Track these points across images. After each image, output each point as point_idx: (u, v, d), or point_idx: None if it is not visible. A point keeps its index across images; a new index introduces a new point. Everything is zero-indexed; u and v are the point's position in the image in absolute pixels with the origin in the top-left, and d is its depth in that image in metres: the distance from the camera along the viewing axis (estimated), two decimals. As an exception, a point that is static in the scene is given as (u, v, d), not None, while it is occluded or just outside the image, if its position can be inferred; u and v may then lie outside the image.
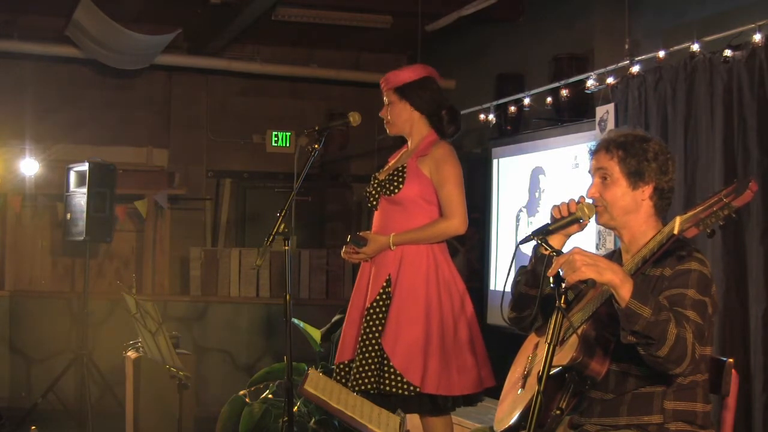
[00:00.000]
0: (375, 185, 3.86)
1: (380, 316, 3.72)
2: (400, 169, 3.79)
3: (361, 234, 3.84)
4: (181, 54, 7.73)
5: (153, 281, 7.74)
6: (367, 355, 3.69)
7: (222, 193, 8.24)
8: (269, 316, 7.36)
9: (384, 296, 3.74)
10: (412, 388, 3.59)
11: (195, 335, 7.23)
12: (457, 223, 3.72)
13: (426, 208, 3.76)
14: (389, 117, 3.87)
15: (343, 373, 3.79)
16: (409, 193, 3.74)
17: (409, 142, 3.93)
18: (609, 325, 2.48)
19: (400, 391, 3.60)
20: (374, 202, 3.85)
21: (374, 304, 3.75)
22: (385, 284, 3.75)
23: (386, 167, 3.96)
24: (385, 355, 3.64)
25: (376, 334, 3.70)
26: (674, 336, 2.32)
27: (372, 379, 3.65)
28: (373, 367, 3.67)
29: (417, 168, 3.75)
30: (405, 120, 3.85)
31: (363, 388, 3.64)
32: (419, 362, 3.62)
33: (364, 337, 3.72)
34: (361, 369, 3.67)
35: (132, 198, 7.51)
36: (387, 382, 3.61)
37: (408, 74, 3.85)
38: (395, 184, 3.76)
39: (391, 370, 3.62)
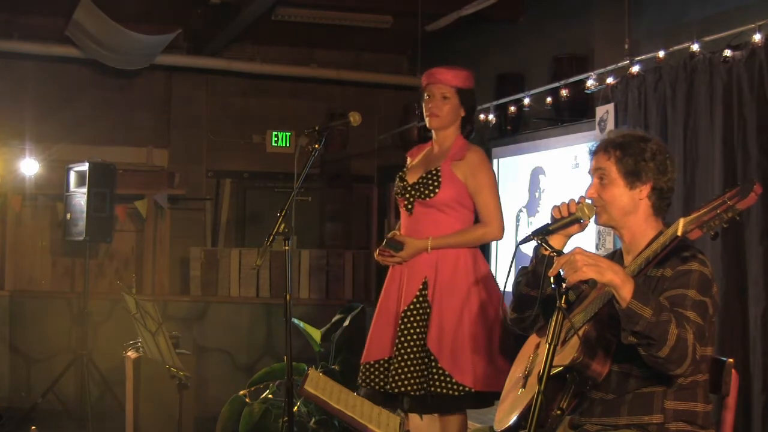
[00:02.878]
0: (408, 189, 3.84)
1: (417, 318, 3.72)
2: (434, 172, 3.77)
3: (397, 238, 3.83)
4: (181, 54, 7.73)
5: (153, 281, 7.74)
6: (406, 357, 3.69)
7: (222, 193, 8.24)
8: (269, 316, 7.36)
9: (421, 299, 3.74)
10: (462, 388, 3.61)
11: (195, 335, 7.22)
12: (494, 229, 3.76)
13: (460, 212, 3.78)
14: (441, 112, 3.84)
15: (368, 373, 3.80)
16: (445, 197, 3.74)
17: (436, 141, 3.92)
18: (610, 326, 2.48)
19: (450, 392, 3.62)
20: (410, 207, 3.84)
21: (411, 306, 3.74)
22: (421, 287, 3.75)
23: (409, 165, 3.96)
24: (432, 357, 3.65)
25: (414, 337, 3.70)
26: (675, 337, 2.32)
27: (415, 380, 3.66)
28: (414, 369, 3.67)
29: (451, 172, 3.76)
30: (453, 120, 3.86)
31: (404, 389, 3.67)
32: (468, 362, 3.64)
33: (402, 339, 3.72)
34: (401, 371, 3.68)
35: (132, 198, 7.51)
36: (436, 383, 3.63)
37: (468, 80, 3.88)
38: (430, 188, 3.75)
39: (440, 371, 3.63)
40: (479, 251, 3.86)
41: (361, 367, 3.85)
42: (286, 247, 3.51)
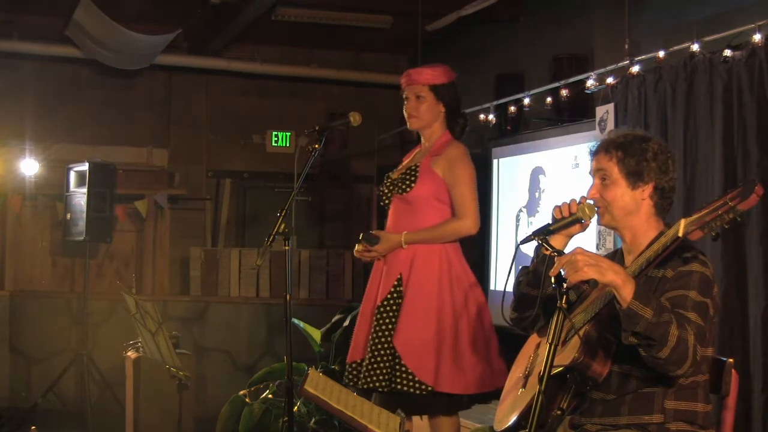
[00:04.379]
0: (388, 184, 3.87)
1: (390, 315, 3.73)
2: (413, 168, 3.80)
3: (373, 233, 3.85)
4: (181, 54, 7.73)
5: (153, 281, 7.74)
6: (376, 353, 3.70)
7: (222, 193, 8.23)
8: (269, 316, 7.36)
9: (395, 295, 3.75)
10: (424, 387, 3.61)
11: (195, 335, 7.23)
12: (469, 223, 3.75)
13: (438, 208, 3.78)
14: (418, 113, 3.86)
15: (355, 372, 3.80)
16: (421, 192, 3.76)
17: (423, 140, 3.94)
18: (611, 327, 2.48)
19: (412, 390, 3.61)
20: (387, 201, 3.87)
21: (385, 302, 3.76)
22: (396, 283, 3.76)
23: (400, 166, 3.97)
24: (396, 354, 3.65)
25: (386, 333, 3.71)
26: (675, 338, 2.32)
27: (383, 377, 3.66)
28: (383, 365, 3.67)
29: (430, 167, 3.77)
30: (433, 118, 3.87)
31: (372, 386, 3.66)
32: (432, 361, 3.63)
33: (374, 335, 3.73)
34: (371, 367, 3.68)
35: (132, 198, 7.51)
36: (399, 381, 3.63)
37: (443, 75, 3.87)
38: (407, 183, 3.78)
39: (403, 369, 3.63)
40: (458, 249, 3.84)
41: (347, 366, 3.86)
42: (286, 247, 3.51)
